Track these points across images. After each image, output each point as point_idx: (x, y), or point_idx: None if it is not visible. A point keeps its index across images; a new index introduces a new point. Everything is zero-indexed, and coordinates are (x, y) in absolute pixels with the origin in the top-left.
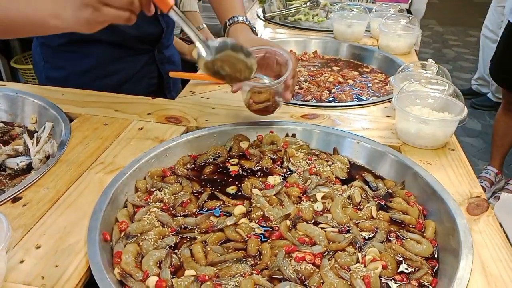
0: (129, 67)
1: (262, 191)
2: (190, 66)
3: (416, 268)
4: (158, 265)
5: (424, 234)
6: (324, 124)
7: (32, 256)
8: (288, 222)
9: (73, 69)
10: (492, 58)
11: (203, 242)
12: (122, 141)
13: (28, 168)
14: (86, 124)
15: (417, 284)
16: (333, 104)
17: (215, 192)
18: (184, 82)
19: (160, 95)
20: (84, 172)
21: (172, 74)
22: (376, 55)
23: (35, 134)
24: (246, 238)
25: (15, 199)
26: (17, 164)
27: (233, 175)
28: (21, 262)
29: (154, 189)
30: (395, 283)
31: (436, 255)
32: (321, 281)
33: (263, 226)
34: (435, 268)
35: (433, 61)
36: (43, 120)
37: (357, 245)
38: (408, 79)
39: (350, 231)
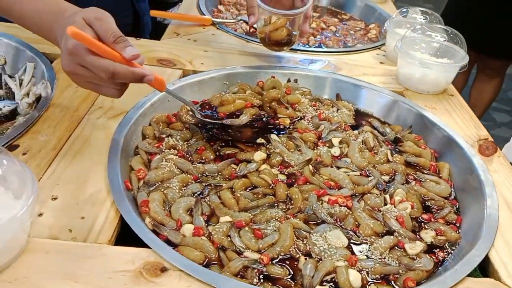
0: (99, 2)
1: (278, 137)
2: (158, 3)
3: (439, 207)
4: (188, 213)
5: (440, 176)
6: (325, 70)
7: (50, 209)
8: (310, 167)
9: None
10: None
11: (230, 189)
12: None
13: (12, 114)
14: None
15: (443, 222)
16: (331, 49)
17: (232, 140)
18: (155, 23)
19: (136, 37)
20: (83, 117)
21: (153, 13)
22: (354, 2)
23: (16, 76)
24: (272, 184)
25: (11, 147)
26: (0, 109)
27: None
28: (40, 215)
29: (164, 135)
30: (424, 222)
31: (454, 195)
32: (356, 222)
33: (283, 173)
34: (456, 207)
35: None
36: (16, 61)
37: (380, 188)
38: (403, 25)
39: (371, 175)
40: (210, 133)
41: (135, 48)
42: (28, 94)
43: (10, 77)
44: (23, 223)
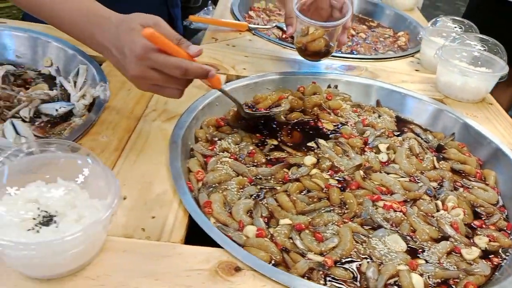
0: (137, 7)
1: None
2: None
3: (489, 214)
4: (248, 214)
5: (487, 183)
6: (364, 76)
7: (121, 208)
8: (361, 172)
9: None
10: None
11: (285, 192)
12: None
13: (66, 115)
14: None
15: (494, 229)
16: (368, 56)
17: (280, 144)
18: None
19: None
20: (139, 119)
21: (192, 18)
22: (383, 10)
23: (70, 78)
24: (325, 188)
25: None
26: (56, 110)
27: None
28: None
29: (216, 138)
30: (475, 228)
31: (502, 202)
32: (411, 228)
33: (333, 177)
34: (505, 214)
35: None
36: (66, 64)
37: (430, 194)
38: (438, 34)
39: (419, 181)
40: (258, 133)
41: (196, 46)
42: (83, 96)
43: (52, 78)
44: (106, 224)
